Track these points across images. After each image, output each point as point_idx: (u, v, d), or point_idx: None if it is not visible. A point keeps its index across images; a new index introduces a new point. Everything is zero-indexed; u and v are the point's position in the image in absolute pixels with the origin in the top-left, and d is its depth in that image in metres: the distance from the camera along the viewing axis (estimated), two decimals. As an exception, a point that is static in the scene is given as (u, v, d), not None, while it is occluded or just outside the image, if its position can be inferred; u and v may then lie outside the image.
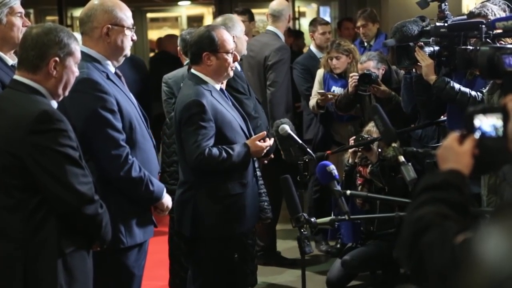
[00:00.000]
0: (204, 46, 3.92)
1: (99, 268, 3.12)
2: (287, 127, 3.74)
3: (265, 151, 4.02)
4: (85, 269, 2.96)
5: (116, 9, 3.41)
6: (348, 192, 3.47)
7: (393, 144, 3.29)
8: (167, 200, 3.53)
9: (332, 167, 3.35)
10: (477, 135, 1.73)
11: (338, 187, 3.38)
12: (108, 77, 3.38)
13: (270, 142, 4.03)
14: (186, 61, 4.84)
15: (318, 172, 3.36)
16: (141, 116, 3.50)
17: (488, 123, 1.72)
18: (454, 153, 1.75)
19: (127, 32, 3.44)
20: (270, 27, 6.22)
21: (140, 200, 3.43)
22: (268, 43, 6.02)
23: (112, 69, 3.46)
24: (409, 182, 3.10)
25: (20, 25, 3.57)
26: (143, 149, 3.44)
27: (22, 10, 3.61)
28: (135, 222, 3.40)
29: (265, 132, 4.09)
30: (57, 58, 2.88)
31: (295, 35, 9.75)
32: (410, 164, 3.14)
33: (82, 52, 3.12)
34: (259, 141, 3.98)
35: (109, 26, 3.38)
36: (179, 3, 17.96)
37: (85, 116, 3.27)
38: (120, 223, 3.32)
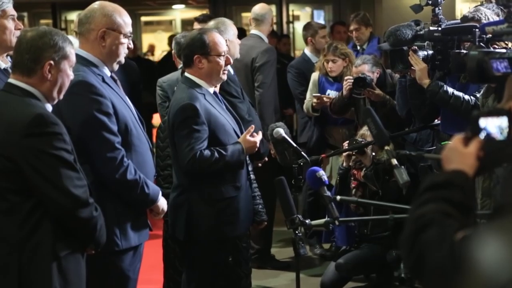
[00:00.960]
0: (196, 49, 3.92)
1: (94, 270, 3.12)
2: (281, 131, 3.73)
3: (257, 145, 4.02)
4: (79, 272, 2.96)
5: (115, 14, 3.41)
6: (338, 197, 3.48)
7: (386, 147, 3.30)
8: (162, 203, 3.53)
9: (322, 172, 3.35)
10: (482, 135, 1.75)
11: (328, 193, 3.39)
12: (103, 80, 3.38)
13: (260, 135, 4.04)
14: (180, 64, 4.83)
15: (308, 178, 3.36)
16: (137, 119, 3.50)
17: (493, 125, 1.74)
18: (459, 154, 1.76)
19: (123, 39, 3.43)
20: (254, 31, 6.23)
21: (135, 203, 3.43)
22: (254, 45, 6.03)
23: (107, 72, 3.45)
24: (402, 185, 3.11)
25: (13, 28, 3.54)
26: (139, 152, 3.44)
27: (15, 13, 3.58)
28: (130, 225, 3.39)
29: (253, 126, 4.08)
30: (52, 62, 2.88)
31: (278, 37, 9.76)
32: (403, 167, 3.15)
33: (78, 55, 3.12)
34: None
35: (105, 30, 3.38)
36: (173, 6, 17.96)
37: (80, 118, 3.27)
38: (115, 226, 3.32)
